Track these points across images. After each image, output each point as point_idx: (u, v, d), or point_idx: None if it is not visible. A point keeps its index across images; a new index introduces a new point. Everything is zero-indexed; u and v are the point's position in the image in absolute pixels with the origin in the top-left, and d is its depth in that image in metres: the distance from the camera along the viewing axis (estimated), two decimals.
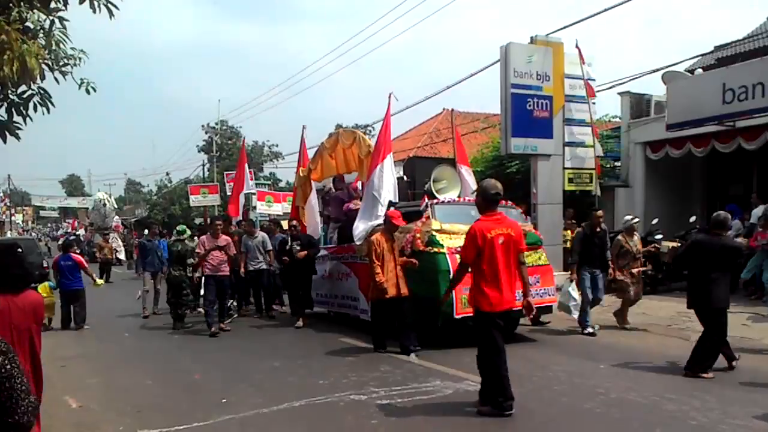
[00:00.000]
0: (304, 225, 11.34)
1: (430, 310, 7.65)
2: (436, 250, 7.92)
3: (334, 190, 11.55)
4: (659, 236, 12.36)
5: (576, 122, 13.40)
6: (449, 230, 8.12)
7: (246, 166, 17.36)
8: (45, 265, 15.61)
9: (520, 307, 5.58)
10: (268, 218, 17.91)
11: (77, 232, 39.23)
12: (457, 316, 7.58)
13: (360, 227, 9.18)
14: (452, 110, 11.85)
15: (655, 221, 12.76)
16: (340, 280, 10.06)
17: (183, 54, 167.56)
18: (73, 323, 10.98)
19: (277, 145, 45.82)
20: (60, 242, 20.80)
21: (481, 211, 5.52)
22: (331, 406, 5.68)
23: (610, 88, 15.12)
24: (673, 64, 14.28)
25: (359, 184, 10.97)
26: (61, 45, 5.78)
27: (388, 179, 9.25)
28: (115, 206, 40.85)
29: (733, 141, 12.09)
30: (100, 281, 11.96)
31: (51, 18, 5.64)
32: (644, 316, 9.78)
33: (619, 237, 9.34)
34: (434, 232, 8.07)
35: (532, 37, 13.05)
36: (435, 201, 8.84)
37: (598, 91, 14.26)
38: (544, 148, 12.73)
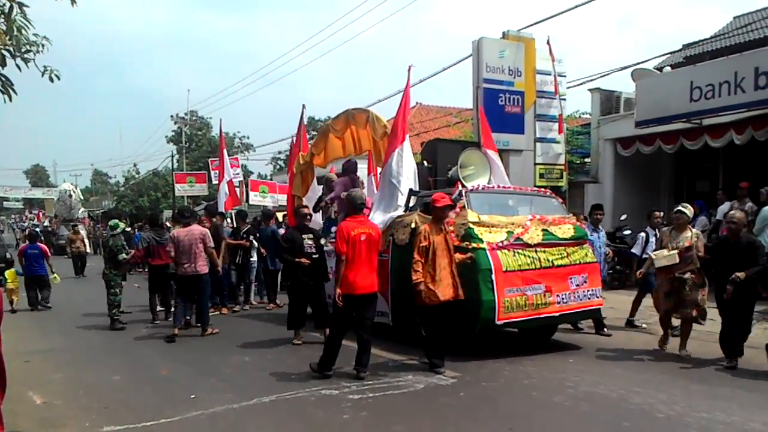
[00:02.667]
0: None
1: (466, 315, 6.73)
2: (474, 245, 6.83)
3: (341, 174, 10.28)
4: (627, 232, 12.55)
5: (547, 118, 13.53)
6: (488, 222, 7.11)
7: (225, 152, 16.77)
8: (8, 256, 16.76)
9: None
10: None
11: (43, 224, 38.38)
12: (498, 322, 6.75)
13: (376, 219, 8.04)
14: (477, 87, 10.71)
15: (623, 217, 12.94)
16: None
17: (152, 42, 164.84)
18: (40, 304, 12.36)
19: (248, 137, 45.51)
20: (26, 233, 20.63)
21: (348, 214, 6.70)
22: (302, 401, 5.64)
23: (581, 84, 15.34)
24: (643, 62, 14.53)
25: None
26: (23, 31, 5.62)
27: (408, 164, 8.30)
28: (81, 198, 40.15)
29: (699, 138, 12.31)
30: (56, 278, 12.60)
31: (10, 2, 5.47)
32: (612, 311, 9.91)
33: (665, 229, 7.59)
34: (471, 225, 6.99)
35: (504, 32, 13.13)
36: (471, 188, 7.66)
37: (569, 87, 14.45)
38: (515, 144, 12.83)
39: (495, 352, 7.27)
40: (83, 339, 9.37)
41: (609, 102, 15.08)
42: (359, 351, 6.41)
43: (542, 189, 8.78)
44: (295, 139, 12.18)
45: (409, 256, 6.71)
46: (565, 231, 7.51)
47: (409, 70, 8.86)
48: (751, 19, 17.49)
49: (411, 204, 8.18)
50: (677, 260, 6.84)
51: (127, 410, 5.50)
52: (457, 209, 7.12)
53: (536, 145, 13.27)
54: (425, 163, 9.57)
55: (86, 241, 24.71)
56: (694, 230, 7.14)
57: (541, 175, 13.26)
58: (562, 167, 13.51)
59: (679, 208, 7.20)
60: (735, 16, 19.44)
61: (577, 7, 12.96)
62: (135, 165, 50.17)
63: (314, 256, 8.04)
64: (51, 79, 6.00)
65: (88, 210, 47.34)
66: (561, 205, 8.22)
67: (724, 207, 11.03)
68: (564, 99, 13.80)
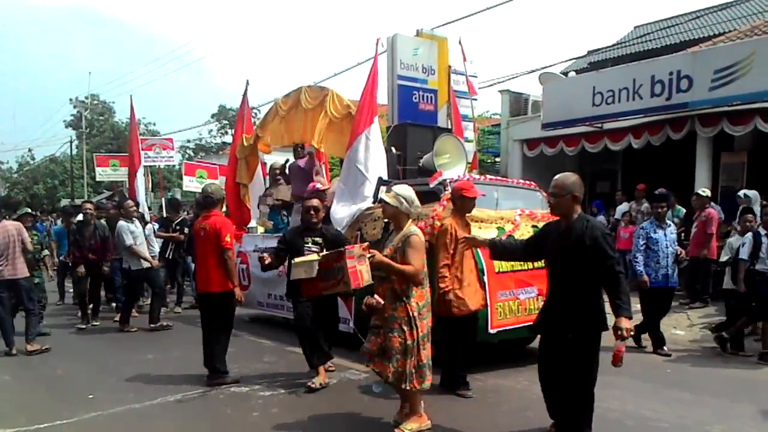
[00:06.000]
0: (248, 209, 9.65)
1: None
2: None
3: (294, 159, 9.23)
4: None
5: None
6: (478, 217, 6.19)
7: (138, 133, 15.20)
8: None
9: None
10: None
11: None
12: (492, 331, 5.91)
13: (341, 212, 7.22)
14: (449, 67, 10.05)
15: None
16: None
17: (47, 16, 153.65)
18: None
19: (154, 124, 43.71)
20: None
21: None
22: (209, 399, 5.50)
23: (492, 85, 15.78)
24: (550, 66, 15.11)
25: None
26: None
27: (376, 150, 7.44)
28: None
29: (600, 141, 12.93)
30: None
31: None
32: None
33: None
34: None
35: (417, 30, 13.26)
36: (457, 178, 6.75)
37: (481, 88, 14.78)
38: None
39: None
40: None
41: (518, 104, 15.58)
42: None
43: (527, 182, 8.02)
44: (237, 120, 11.05)
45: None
46: None
47: (376, 43, 8.12)
48: (649, 29, 18.59)
49: (381, 195, 6.86)
50: (313, 274, 4.45)
51: (18, 412, 5.18)
52: (443, 202, 6.20)
53: None
54: (393, 149, 8.65)
55: None
56: (413, 228, 4.42)
57: None
58: (470, 165, 13.83)
59: (382, 195, 4.87)
60: (635, 25, 20.59)
61: (488, 9, 13.32)
62: (30, 150, 47.33)
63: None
64: None
65: None
66: (545, 199, 7.39)
67: (623, 207, 11.64)
68: (475, 99, 14.13)
